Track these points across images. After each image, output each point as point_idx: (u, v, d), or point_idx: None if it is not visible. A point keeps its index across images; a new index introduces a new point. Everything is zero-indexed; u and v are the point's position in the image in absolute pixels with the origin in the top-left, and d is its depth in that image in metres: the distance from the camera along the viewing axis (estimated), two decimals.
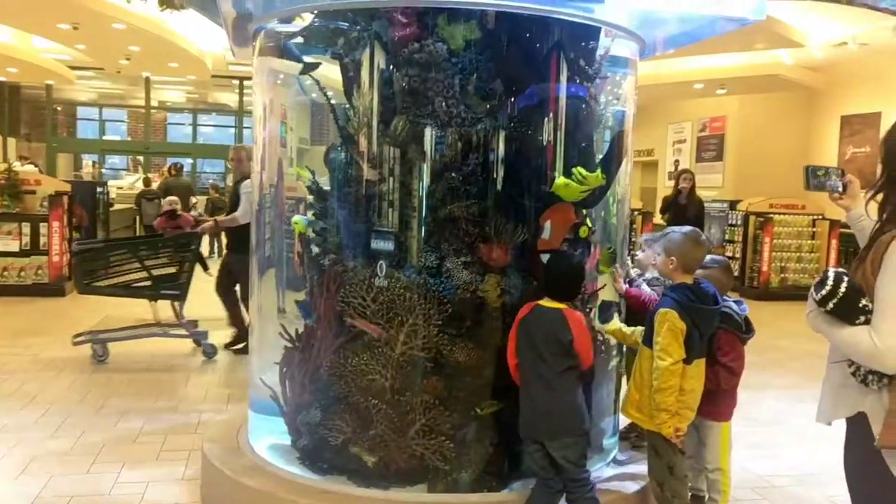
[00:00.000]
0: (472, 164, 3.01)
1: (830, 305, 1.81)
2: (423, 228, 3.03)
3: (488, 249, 3.02)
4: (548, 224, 3.07)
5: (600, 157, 3.30)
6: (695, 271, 2.90)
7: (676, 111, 16.55)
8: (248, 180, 5.70)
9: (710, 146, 15.93)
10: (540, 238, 3.06)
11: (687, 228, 2.95)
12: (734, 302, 3.05)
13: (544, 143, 3.06)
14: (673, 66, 12.50)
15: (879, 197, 1.92)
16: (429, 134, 2.99)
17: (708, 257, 3.11)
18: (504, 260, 3.03)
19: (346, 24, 3.11)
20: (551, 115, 3.05)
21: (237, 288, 6.41)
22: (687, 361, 2.74)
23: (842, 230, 11.03)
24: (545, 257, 3.02)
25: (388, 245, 3.03)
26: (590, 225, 3.21)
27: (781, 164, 13.96)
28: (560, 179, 3.02)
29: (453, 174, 3.00)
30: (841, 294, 1.79)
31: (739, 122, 14.99)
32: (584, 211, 3.22)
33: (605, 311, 3.38)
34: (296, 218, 3.46)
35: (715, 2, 2.79)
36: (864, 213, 2.15)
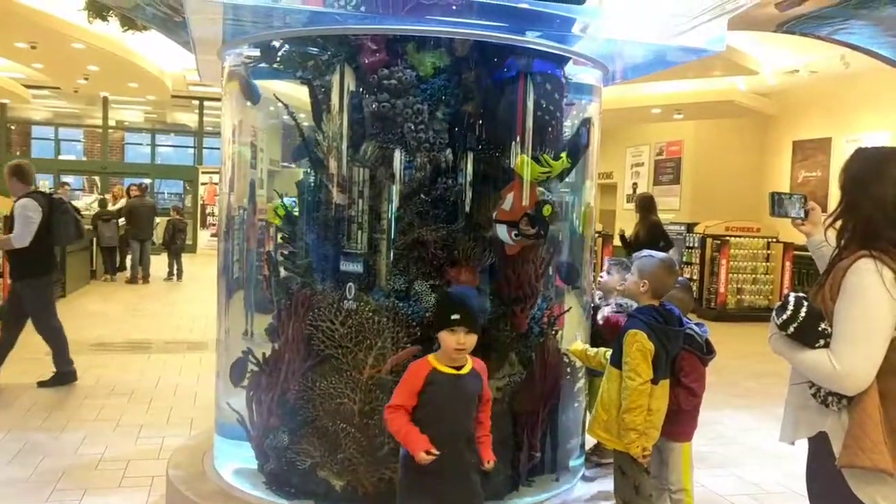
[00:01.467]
0: (440, 188, 3.06)
1: (791, 329, 1.88)
2: (392, 252, 3.06)
3: (456, 272, 3.06)
4: (509, 196, 3.10)
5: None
6: (663, 297, 2.97)
7: (635, 135, 16.85)
8: (26, 200, 5.43)
9: (668, 169, 16.23)
10: (500, 208, 3.09)
11: (661, 254, 3.03)
12: (696, 324, 3.12)
13: (511, 166, 3.11)
14: (631, 91, 12.74)
15: (839, 224, 2.00)
16: (397, 158, 3.02)
17: None
18: (472, 283, 3.06)
19: (316, 49, 3.14)
20: (518, 138, 3.10)
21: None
22: (654, 382, 2.80)
23: (795, 252, 11.30)
24: (502, 228, 3.06)
25: (357, 267, 3.05)
26: (553, 205, 3.22)
27: (737, 188, 14.30)
28: (521, 157, 3.07)
29: (422, 198, 3.05)
30: (801, 318, 1.86)
31: (696, 146, 15.31)
32: (549, 191, 3.26)
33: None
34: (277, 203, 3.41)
35: (676, 34, 2.88)
36: (824, 239, 2.24)
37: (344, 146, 3.06)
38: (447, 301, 2.55)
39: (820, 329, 1.86)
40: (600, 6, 3.11)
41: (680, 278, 3.42)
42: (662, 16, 2.95)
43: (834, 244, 2.01)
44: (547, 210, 3.15)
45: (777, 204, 2.34)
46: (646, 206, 8.52)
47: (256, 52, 3.33)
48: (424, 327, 2.92)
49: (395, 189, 3.04)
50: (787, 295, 1.92)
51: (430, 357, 2.50)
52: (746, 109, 13.49)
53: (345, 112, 3.06)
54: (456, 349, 2.42)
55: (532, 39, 2.99)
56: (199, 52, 3.51)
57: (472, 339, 2.44)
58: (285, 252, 3.36)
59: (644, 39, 2.97)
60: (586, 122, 3.47)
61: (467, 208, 3.07)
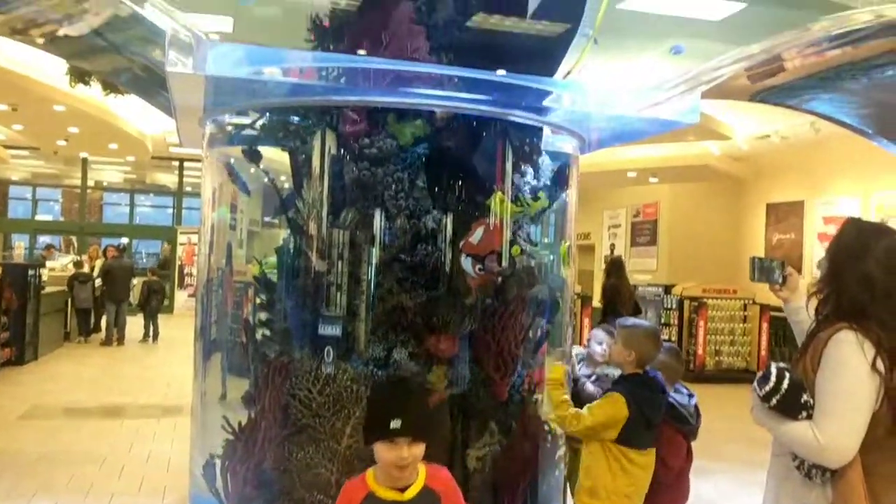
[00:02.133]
0: (419, 254, 3.07)
1: (773, 402, 1.89)
2: (371, 318, 3.05)
3: (436, 340, 3.05)
4: (479, 230, 3.10)
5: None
6: (647, 365, 2.99)
7: (611, 197, 17.07)
8: None
9: (644, 231, 16.41)
10: (467, 240, 3.08)
11: (647, 324, 3.07)
12: (687, 395, 3.14)
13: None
14: (607, 155, 12.95)
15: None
16: (377, 225, 3.05)
17: None
18: (451, 350, 3.06)
19: (298, 118, 3.18)
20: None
21: None
22: (639, 447, 2.82)
23: (772, 314, 11.39)
24: (468, 261, 3.05)
25: (335, 331, 3.04)
26: (523, 246, 3.23)
27: (712, 249, 14.46)
28: (497, 195, 3.08)
29: (401, 264, 3.06)
30: (783, 390, 1.87)
31: (671, 208, 15.52)
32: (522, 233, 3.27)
33: None
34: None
35: (652, 107, 2.96)
36: (802, 306, 2.26)
37: (324, 213, 3.08)
38: (382, 402, 2.02)
39: (802, 401, 1.87)
40: (576, 79, 3.18)
41: (668, 344, 3.45)
42: (637, 88, 3.03)
43: (813, 313, 2.03)
44: (515, 250, 3.18)
45: (757, 269, 2.38)
46: (607, 269, 8.75)
47: (238, 121, 3.37)
48: None
49: (375, 255, 3.05)
50: (769, 366, 1.93)
51: (369, 474, 2.00)
52: (720, 173, 13.75)
53: (325, 179, 3.08)
54: (397, 467, 1.90)
55: (509, 112, 3.05)
56: (181, 119, 3.55)
57: (418, 450, 1.90)
58: (263, 318, 3.34)
59: (619, 112, 3.04)
60: (565, 162, 3.51)
61: (447, 274, 3.08)
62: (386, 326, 3.06)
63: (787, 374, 1.90)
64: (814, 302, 2.03)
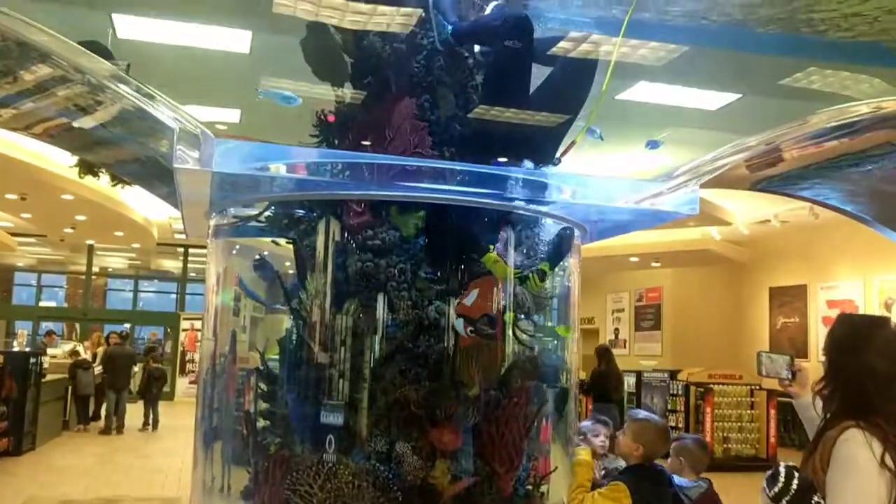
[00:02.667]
0: (422, 345, 3.06)
1: (783, 503, 1.86)
2: (373, 411, 3.02)
3: (439, 433, 3.01)
4: (474, 292, 3.06)
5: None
6: (653, 460, 2.96)
7: (614, 281, 17.10)
8: None
9: (648, 315, 16.38)
10: (461, 301, 3.04)
11: (657, 419, 3.06)
12: (694, 483, 3.09)
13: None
14: (610, 239, 13.05)
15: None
16: (380, 316, 3.05)
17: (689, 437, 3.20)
18: (455, 444, 3.01)
19: (302, 211, 3.23)
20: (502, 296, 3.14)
21: None
22: None
23: (779, 399, 11.24)
24: (460, 322, 3.00)
25: (337, 420, 3.00)
26: (525, 334, 3.19)
27: (717, 333, 14.40)
28: (492, 254, 3.06)
29: (404, 356, 3.04)
30: (793, 491, 1.84)
31: (674, 292, 15.53)
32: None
33: None
34: None
35: (651, 201, 3.00)
36: (811, 402, 2.25)
37: (327, 303, 3.09)
38: None
39: (813, 502, 1.84)
40: (577, 172, 3.24)
41: (696, 436, 3.42)
42: (637, 180, 3.07)
43: (821, 410, 2.02)
44: (508, 317, 3.15)
45: (764, 364, 2.37)
46: (597, 356, 8.79)
47: (243, 213, 3.42)
48: (406, 492, 2.84)
49: (378, 347, 3.04)
50: (778, 465, 1.91)
51: None
52: (722, 258, 13.82)
53: (329, 270, 3.10)
54: None
55: (511, 204, 3.10)
56: (187, 211, 3.60)
57: None
58: (264, 408, 3.32)
59: (619, 204, 3.08)
60: (567, 231, 3.52)
61: (450, 366, 3.06)
62: (388, 419, 3.03)
63: (797, 475, 1.88)
64: (820, 400, 2.02)
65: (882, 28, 4.07)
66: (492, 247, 3.10)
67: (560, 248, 3.46)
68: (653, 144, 3.52)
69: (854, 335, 1.97)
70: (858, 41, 4.13)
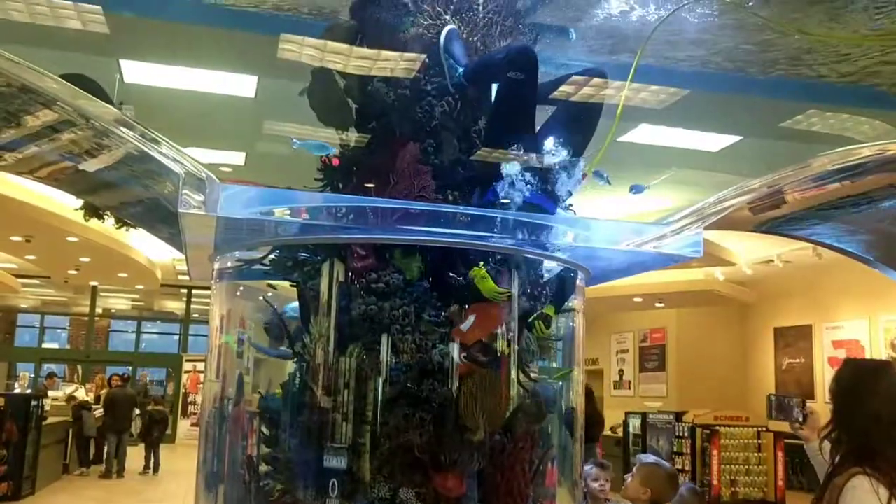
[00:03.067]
0: (426, 389, 3.04)
1: None
2: (377, 456, 2.99)
3: (442, 478, 2.98)
4: (472, 318, 3.04)
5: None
6: None
7: (618, 322, 17.04)
8: None
9: (652, 356, 16.28)
10: (457, 326, 3.02)
11: (667, 465, 3.03)
12: None
13: (499, 371, 3.12)
14: (613, 281, 13.04)
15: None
16: (384, 360, 3.03)
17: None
18: (459, 490, 2.98)
19: (306, 254, 3.24)
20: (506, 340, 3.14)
21: None
22: None
23: (786, 441, 11.11)
24: (454, 346, 2.98)
25: (340, 463, 2.97)
26: (531, 378, 3.16)
27: (722, 374, 14.29)
28: (480, 269, 3.04)
29: (407, 400, 3.02)
30: None
31: (679, 333, 15.46)
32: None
33: None
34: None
35: (655, 243, 3.00)
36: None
37: (331, 347, 3.08)
38: None
39: None
40: (581, 216, 3.25)
41: (690, 484, 3.38)
42: (641, 224, 3.08)
43: (827, 456, 2.01)
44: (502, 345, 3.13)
45: (775, 407, 2.36)
46: None
47: (248, 256, 3.43)
48: None
49: (381, 391, 3.02)
50: None
51: None
52: (726, 298, 13.78)
53: (332, 314, 3.10)
54: None
55: (514, 248, 3.11)
56: (191, 255, 3.61)
57: None
58: (266, 453, 3.29)
59: (622, 247, 3.08)
60: (570, 272, 3.51)
61: (454, 410, 3.04)
62: (392, 464, 3.00)
63: None
64: (827, 445, 2.00)
65: (876, 71, 4.12)
66: (482, 263, 3.08)
67: (564, 290, 3.47)
68: (637, 189, 3.55)
69: (858, 381, 1.97)
70: (857, 85, 4.18)
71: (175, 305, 23.18)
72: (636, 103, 3.82)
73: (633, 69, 3.15)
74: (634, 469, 3.08)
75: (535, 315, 3.18)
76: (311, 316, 3.17)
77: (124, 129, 2.88)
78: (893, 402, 1.88)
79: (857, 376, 1.98)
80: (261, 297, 3.48)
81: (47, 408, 11.61)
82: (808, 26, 3.58)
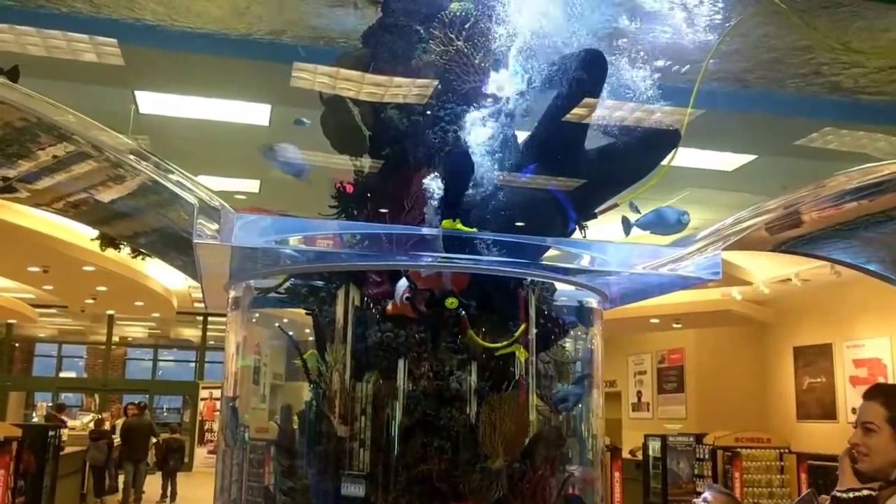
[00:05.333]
0: (444, 418, 3.01)
1: None
2: (395, 486, 2.96)
3: None
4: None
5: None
6: None
7: (635, 343, 16.91)
8: None
9: (671, 377, 16.13)
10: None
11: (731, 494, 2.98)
12: None
13: (517, 397, 3.08)
14: None
15: None
16: (401, 388, 3.00)
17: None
18: None
19: (321, 282, 3.22)
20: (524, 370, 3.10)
21: None
22: None
23: (810, 462, 10.95)
24: (402, 285, 2.90)
25: (358, 491, 2.94)
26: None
27: (742, 395, 14.12)
28: (452, 221, 2.98)
29: (425, 429, 2.99)
30: None
31: (697, 353, 15.32)
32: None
33: None
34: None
35: (672, 265, 2.97)
36: None
37: (347, 376, 3.05)
38: None
39: None
40: (597, 238, 3.23)
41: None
42: (658, 246, 3.05)
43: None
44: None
45: None
46: None
47: (263, 285, 3.42)
48: None
49: (398, 419, 2.99)
50: None
51: None
52: (744, 318, 13.65)
53: (348, 342, 3.08)
54: None
55: (531, 273, 3.08)
56: (206, 284, 3.61)
57: None
58: (283, 484, 3.26)
59: (639, 270, 3.05)
60: (588, 316, 3.49)
61: (473, 438, 3.00)
62: (410, 493, 2.96)
63: None
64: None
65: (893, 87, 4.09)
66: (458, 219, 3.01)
67: (580, 316, 3.44)
68: (632, 206, 3.53)
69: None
70: (873, 101, 4.14)
71: (191, 333, 23.25)
72: (650, 124, 3.80)
73: (694, 94, 3.15)
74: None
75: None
76: (327, 343, 3.16)
77: (138, 160, 2.89)
78: None
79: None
80: (276, 325, 3.46)
81: (65, 438, 11.62)
82: (852, 42, 3.55)
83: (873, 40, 3.72)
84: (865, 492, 1.88)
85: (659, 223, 3.22)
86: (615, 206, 3.33)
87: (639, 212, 3.25)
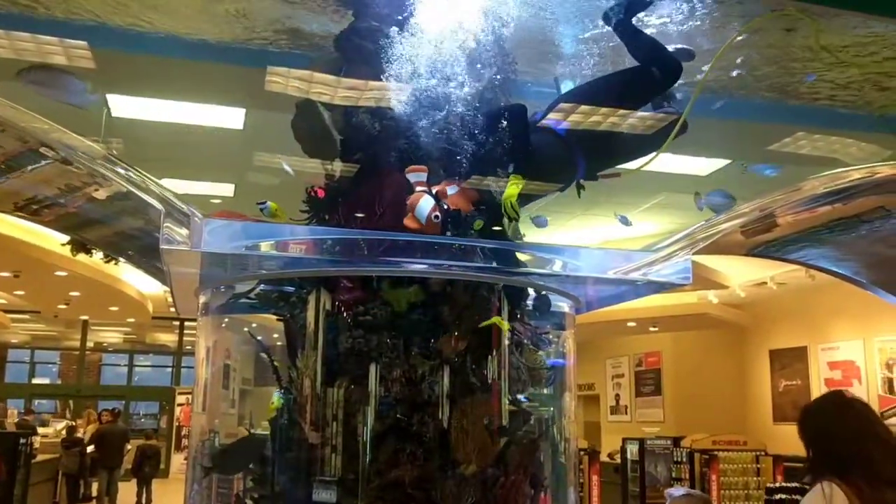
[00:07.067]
0: (416, 424, 2.99)
1: None
2: (367, 493, 2.93)
3: None
4: (457, 189, 3.01)
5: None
6: None
7: (613, 346, 16.98)
8: None
9: (648, 381, 16.21)
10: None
11: (698, 492, 2.99)
12: None
13: (490, 402, 3.07)
14: None
15: None
16: (373, 394, 2.98)
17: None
18: None
19: (292, 287, 3.19)
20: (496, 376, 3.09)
21: None
22: None
23: (786, 464, 11.03)
24: (428, 203, 2.89)
25: (330, 497, 2.91)
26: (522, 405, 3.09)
27: (719, 397, 14.21)
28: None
29: (397, 435, 2.97)
30: None
31: (674, 357, 15.40)
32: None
33: None
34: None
35: (644, 270, 2.97)
36: None
37: (318, 382, 3.03)
38: None
39: None
40: (568, 244, 3.23)
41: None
42: (630, 251, 3.05)
43: None
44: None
45: None
46: None
47: (234, 290, 3.38)
48: None
49: (370, 425, 2.97)
50: None
51: None
52: (720, 321, 13.74)
53: (320, 348, 3.05)
54: None
55: (504, 277, 3.07)
56: (176, 290, 3.56)
57: None
58: (253, 493, 3.22)
59: (612, 275, 3.05)
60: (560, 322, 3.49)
61: (446, 444, 2.99)
62: (383, 500, 2.93)
63: None
64: None
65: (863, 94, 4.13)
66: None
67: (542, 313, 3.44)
68: (623, 220, 3.57)
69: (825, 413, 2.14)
70: (844, 107, 4.19)
71: (168, 338, 23.03)
72: (624, 129, 3.81)
73: (690, 104, 3.16)
74: None
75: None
76: (298, 350, 3.12)
77: (108, 166, 2.85)
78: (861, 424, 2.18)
79: (826, 411, 2.13)
80: (245, 330, 3.42)
81: (37, 445, 11.45)
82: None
83: (846, 48, 3.76)
84: None
85: (722, 200, 3.35)
86: (618, 175, 3.34)
87: (629, 224, 3.31)
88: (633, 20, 3.16)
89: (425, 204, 2.86)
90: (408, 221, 2.89)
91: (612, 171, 3.36)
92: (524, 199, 3.17)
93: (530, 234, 3.32)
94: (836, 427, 2.30)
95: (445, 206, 2.94)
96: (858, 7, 3.02)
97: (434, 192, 2.93)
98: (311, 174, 3.42)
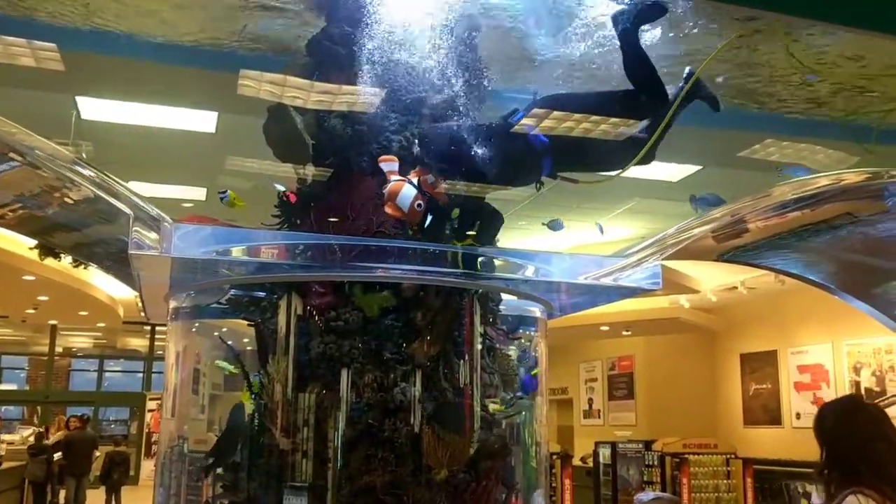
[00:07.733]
0: (388, 430, 2.98)
1: None
2: (339, 499, 2.92)
3: None
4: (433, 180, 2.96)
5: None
6: None
7: (586, 350, 17.06)
8: None
9: (621, 384, 16.30)
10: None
11: (667, 495, 3.00)
12: None
13: (462, 406, 3.08)
14: None
15: None
16: (344, 400, 2.97)
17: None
18: None
19: (263, 292, 3.17)
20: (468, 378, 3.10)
21: None
22: None
23: (755, 467, 11.14)
24: (410, 192, 2.85)
25: (301, 502, 2.90)
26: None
27: (691, 401, 14.32)
28: None
29: (369, 441, 2.96)
30: None
31: (647, 360, 15.51)
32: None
33: None
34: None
35: (615, 275, 3.00)
36: None
37: (289, 388, 3.01)
38: None
39: None
40: (539, 250, 3.24)
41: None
42: (600, 256, 3.07)
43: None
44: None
45: None
46: None
47: (204, 297, 3.36)
48: None
49: (342, 431, 2.96)
50: None
51: None
52: (692, 325, 13.86)
53: (291, 353, 3.03)
54: None
55: (475, 283, 3.08)
56: (146, 295, 3.53)
57: None
58: (226, 502, 3.20)
59: (582, 281, 3.07)
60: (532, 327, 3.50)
61: (417, 450, 2.98)
62: None
63: None
64: None
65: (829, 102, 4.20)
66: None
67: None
68: (558, 225, 3.58)
69: (840, 417, 2.15)
70: (811, 115, 4.25)
71: (138, 343, 22.76)
72: (596, 135, 3.84)
73: (670, 112, 3.17)
74: None
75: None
76: (269, 355, 3.10)
77: (74, 170, 2.81)
78: (873, 427, 2.18)
79: (838, 414, 2.20)
80: (216, 334, 3.40)
81: (2, 453, 11.27)
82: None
83: (818, 58, 3.82)
84: None
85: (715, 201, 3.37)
86: (575, 181, 3.35)
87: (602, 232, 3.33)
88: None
89: (408, 192, 2.84)
90: (389, 209, 2.88)
91: (571, 178, 3.36)
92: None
93: (517, 238, 3.34)
94: (847, 429, 2.33)
95: (427, 195, 2.94)
96: (829, 18, 3.06)
97: (417, 181, 2.92)
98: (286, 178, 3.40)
